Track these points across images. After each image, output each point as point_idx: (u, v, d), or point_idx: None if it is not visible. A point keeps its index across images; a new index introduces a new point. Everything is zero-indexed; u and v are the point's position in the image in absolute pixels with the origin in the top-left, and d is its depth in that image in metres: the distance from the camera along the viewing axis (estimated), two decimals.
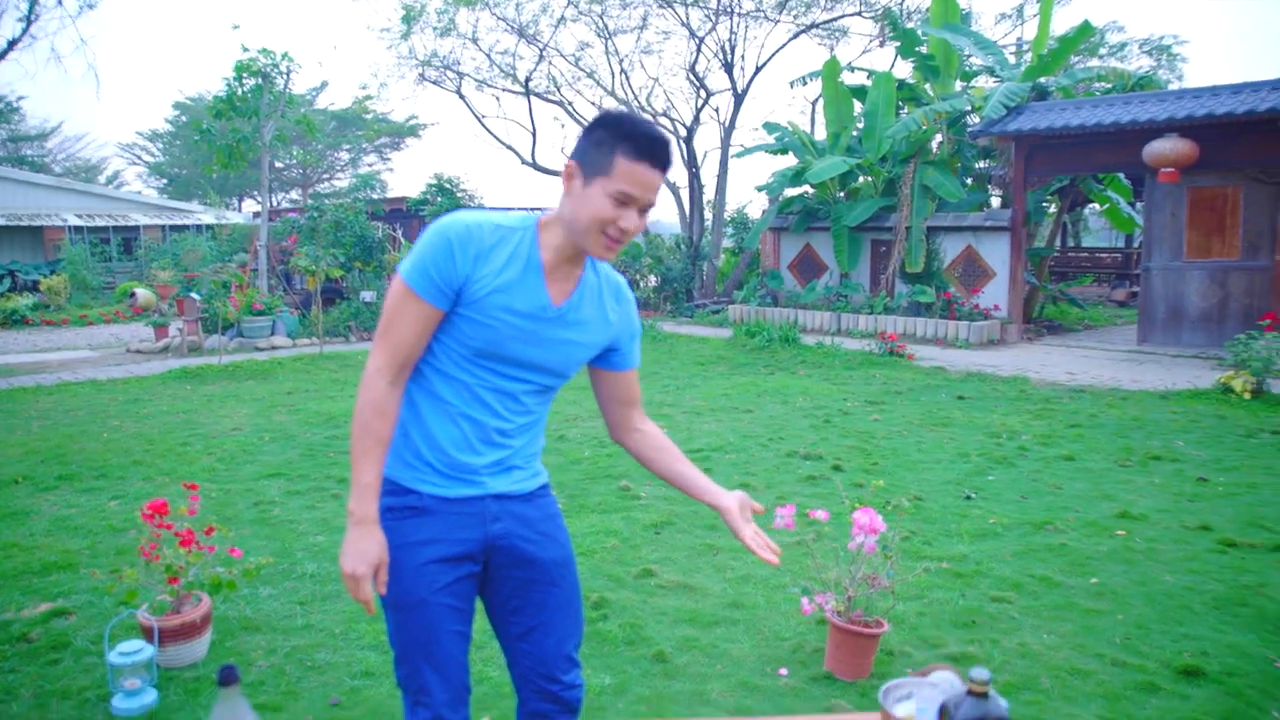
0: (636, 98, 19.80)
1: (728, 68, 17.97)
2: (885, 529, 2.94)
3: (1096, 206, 16.53)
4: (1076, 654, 3.39)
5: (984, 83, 13.98)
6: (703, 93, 18.75)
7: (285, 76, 13.79)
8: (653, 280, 17.51)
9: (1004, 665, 3.30)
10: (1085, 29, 13.42)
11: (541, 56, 19.45)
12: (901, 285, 12.99)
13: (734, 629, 3.64)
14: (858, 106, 14.38)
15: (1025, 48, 16.79)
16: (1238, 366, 8.41)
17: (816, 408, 8.06)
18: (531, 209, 1.89)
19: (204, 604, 3.44)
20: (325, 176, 36.80)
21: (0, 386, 9.06)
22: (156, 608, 3.40)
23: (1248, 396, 8.04)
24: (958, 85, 13.92)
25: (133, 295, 16.47)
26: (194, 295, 12.47)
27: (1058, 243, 17.47)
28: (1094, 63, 19.24)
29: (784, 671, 3.27)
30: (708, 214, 18.46)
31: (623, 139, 1.66)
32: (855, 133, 14.25)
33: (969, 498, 5.37)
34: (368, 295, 13.95)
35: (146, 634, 3.26)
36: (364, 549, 1.71)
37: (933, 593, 3.97)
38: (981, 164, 14.33)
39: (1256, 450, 6.41)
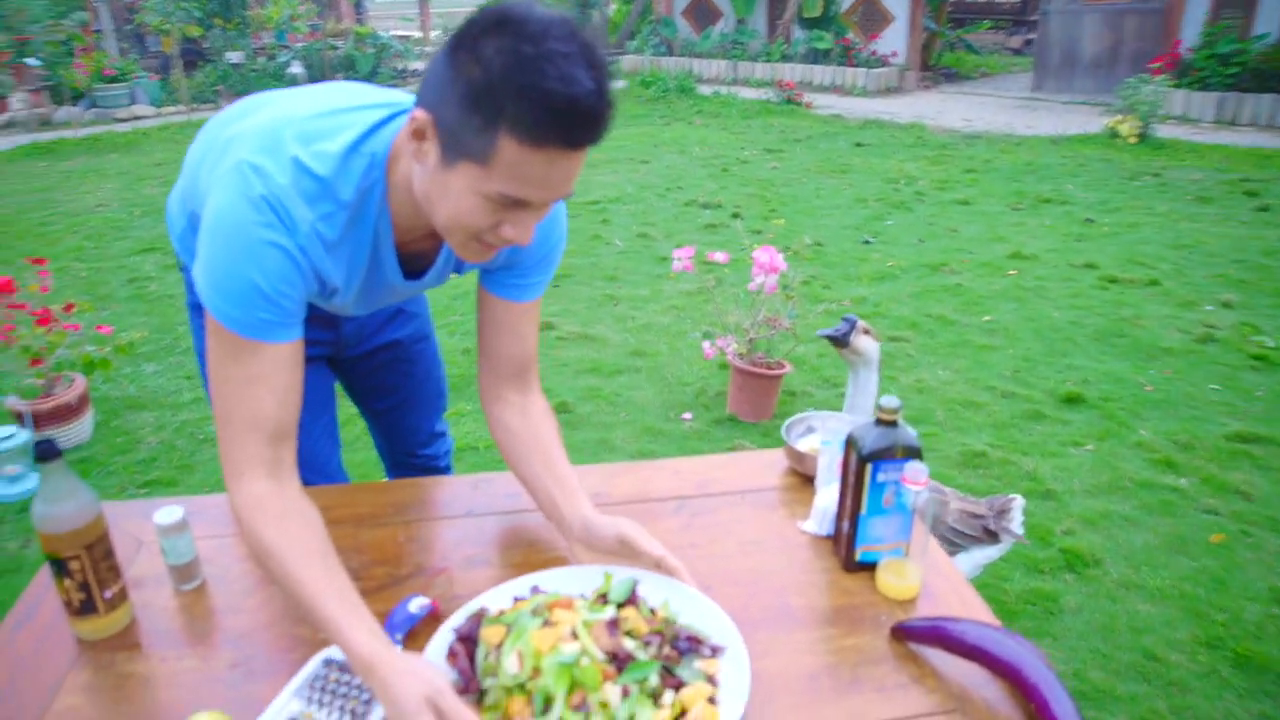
0: None
1: None
2: (786, 268, 2.84)
3: None
4: (969, 388, 3.49)
5: None
6: None
7: None
8: None
9: (901, 401, 3.36)
10: None
11: None
12: (799, 31, 12.40)
13: (636, 377, 3.59)
14: None
15: None
16: (1126, 111, 8.47)
17: (714, 157, 7.81)
18: (380, 118, 1.11)
19: (77, 384, 3.16)
20: None
21: None
22: (25, 391, 3.12)
23: (1134, 141, 8.15)
24: None
25: None
26: (30, 61, 10.91)
27: None
28: None
29: (687, 416, 3.26)
30: None
31: (512, 101, 0.92)
32: None
33: (867, 242, 5.36)
34: (234, 56, 12.53)
35: (18, 419, 3.00)
36: (399, 707, 0.91)
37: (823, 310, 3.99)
38: None
39: (1139, 192, 6.55)
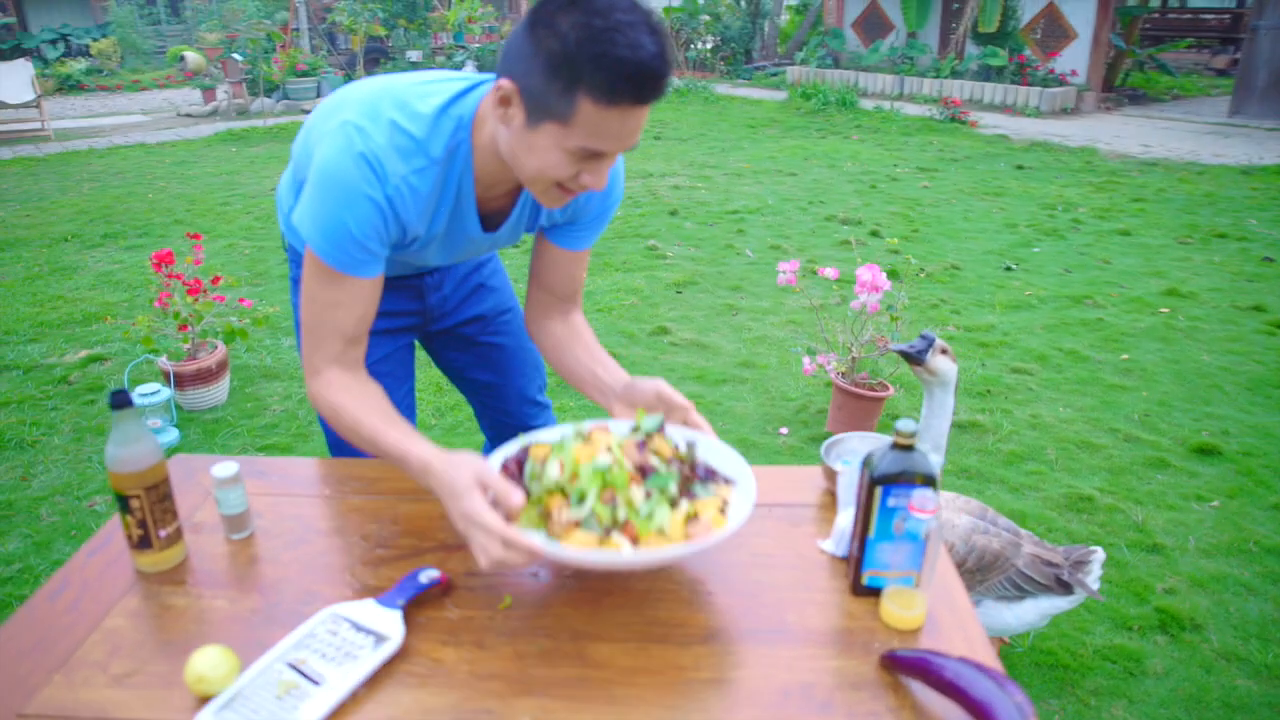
0: None
1: None
2: (889, 287, 2.77)
3: None
4: (1089, 428, 3.29)
5: None
6: None
7: None
8: (709, 41, 16.41)
9: (1011, 435, 3.22)
10: None
11: None
12: (972, 47, 11.94)
13: (741, 388, 3.59)
14: None
15: None
16: None
17: (864, 173, 7.66)
18: (463, 89, 1.28)
19: (219, 351, 3.49)
20: None
21: (55, 150, 9.03)
22: (174, 354, 3.47)
23: None
24: None
25: (182, 59, 16.00)
26: (235, 56, 12.00)
27: (1157, 0, 15.80)
28: None
29: (784, 430, 3.24)
30: None
31: (589, 68, 1.07)
32: None
33: (1009, 269, 5.13)
34: (413, 54, 13.34)
35: (166, 378, 3.33)
36: (452, 489, 1.12)
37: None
38: None
39: None
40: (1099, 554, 1.95)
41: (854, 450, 1.48)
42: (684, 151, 8.64)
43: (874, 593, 1.24)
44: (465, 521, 1.10)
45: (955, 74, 11.82)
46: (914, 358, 1.84)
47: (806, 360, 3.06)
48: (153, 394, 3.10)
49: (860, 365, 3.09)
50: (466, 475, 1.10)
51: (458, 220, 1.33)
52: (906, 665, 1.10)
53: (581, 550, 1.08)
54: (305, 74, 12.36)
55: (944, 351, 1.82)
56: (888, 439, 1.44)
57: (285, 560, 1.31)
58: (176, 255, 3.43)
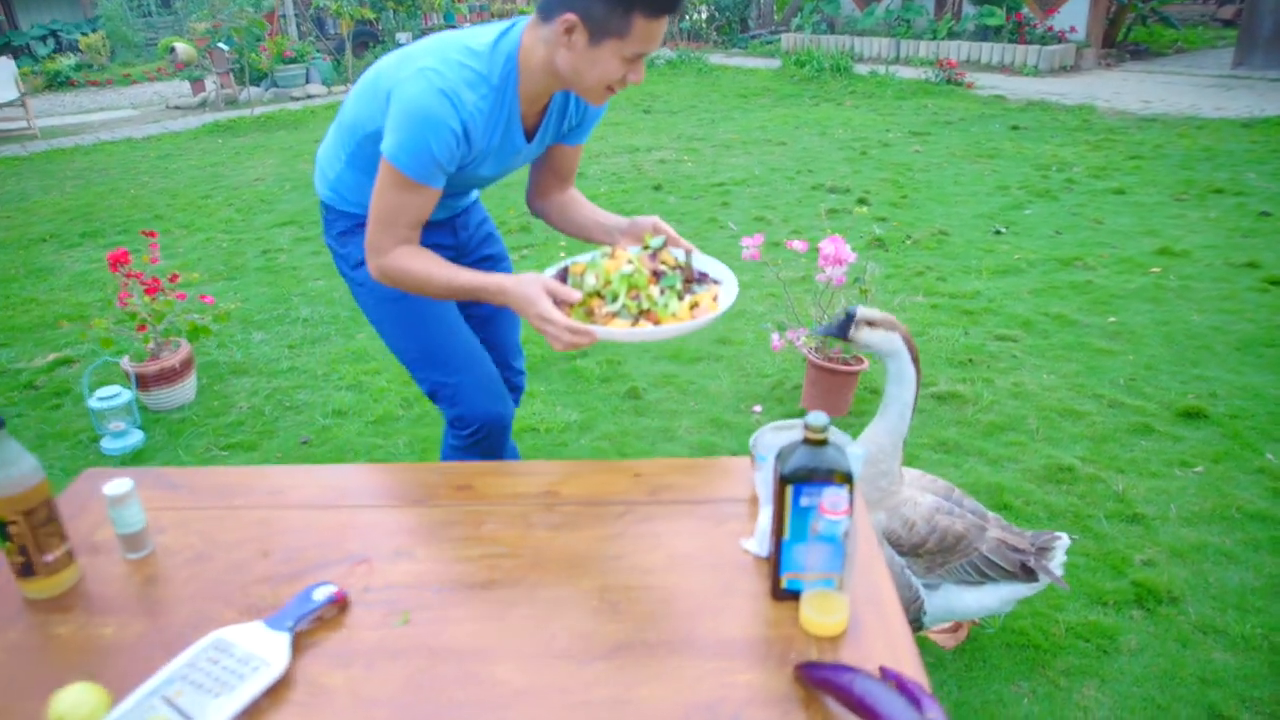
0: None
1: None
2: (854, 259, 2.68)
3: None
4: (1073, 395, 3.21)
5: None
6: None
7: None
8: (704, 10, 16.15)
9: (992, 405, 3.14)
10: None
11: None
12: (969, 7, 11.70)
13: (716, 365, 3.52)
14: None
15: None
16: None
17: (855, 139, 7.52)
18: (504, 29, 1.59)
19: (183, 350, 3.43)
20: None
21: (41, 149, 8.97)
22: (136, 355, 3.42)
23: None
24: None
25: (173, 51, 15.87)
26: (222, 46, 11.87)
27: None
28: None
29: (758, 408, 3.17)
30: None
31: None
32: None
33: (998, 232, 5.02)
34: (403, 37, 13.17)
35: (129, 380, 3.29)
36: (528, 299, 1.47)
37: (935, 329, 3.77)
38: None
39: None
40: (1063, 540, 1.88)
41: (770, 444, 1.41)
42: (672, 124, 8.51)
43: (795, 596, 1.18)
44: (540, 321, 1.45)
45: (952, 35, 11.59)
46: (837, 334, 1.77)
47: (775, 336, 2.99)
48: (113, 397, 3.05)
49: (833, 340, 3.01)
50: (535, 287, 1.47)
51: (508, 134, 1.63)
52: (815, 680, 1.03)
53: (623, 330, 1.44)
54: (293, 61, 12.24)
55: (870, 324, 1.75)
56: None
57: (181, 579, 1.25)
58: (134, 254, 3.37)
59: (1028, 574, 1.83)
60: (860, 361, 3.03)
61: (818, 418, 1.09)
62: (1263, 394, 3.17)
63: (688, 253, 1.61)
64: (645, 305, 1.47)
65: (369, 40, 14.01)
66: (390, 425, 3.20)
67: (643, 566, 1.25)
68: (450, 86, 1.49)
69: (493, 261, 2.05)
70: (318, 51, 13.04)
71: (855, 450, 1.15)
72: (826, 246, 2.66)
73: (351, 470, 1.59)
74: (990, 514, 1.91)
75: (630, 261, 1.51)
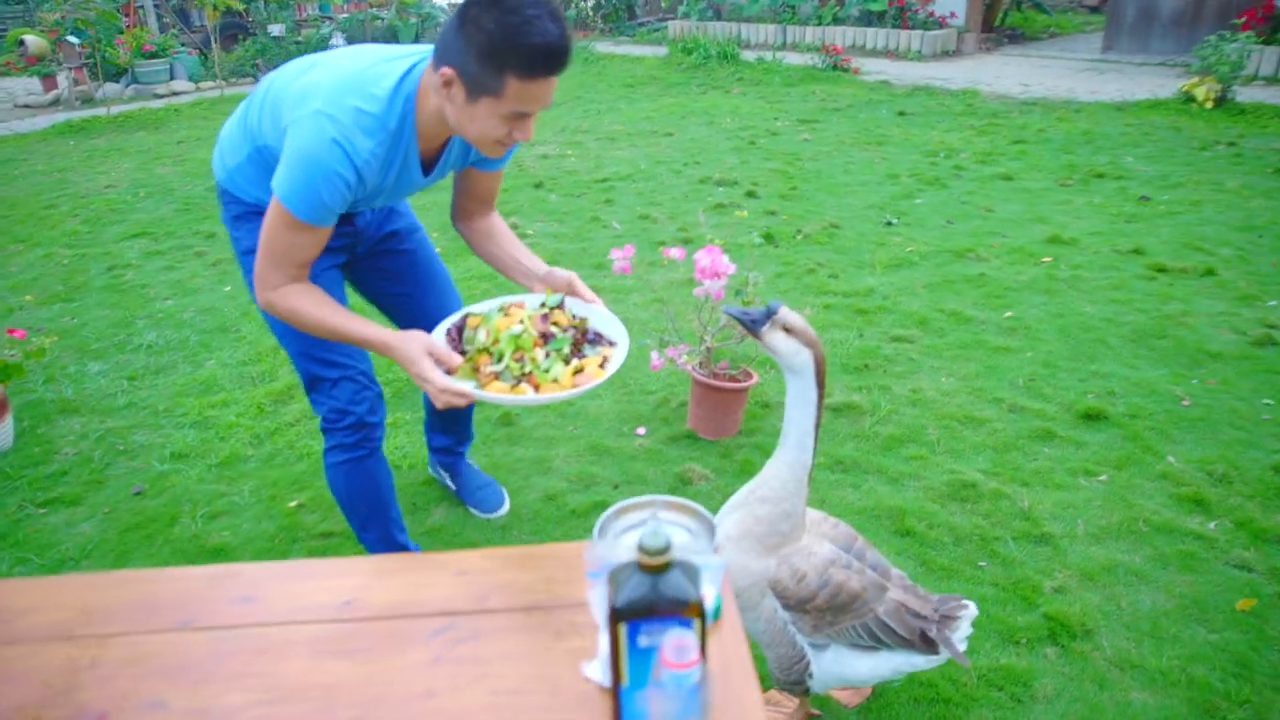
0: None
1: None
2: (734, 270, 2.44)
3: None
4: (973, 400, 3.05)
5: None
6: None
7: None
8: None
9: (890, 415, 2.96)
10: None
11: None
12: None
13: None
14: None
15: None
16: (1204, 73, 7.70)
17: (743, 129, 7.34)
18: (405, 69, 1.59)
19: None
20: None
21: None
22: None
23: (1210, 105, 7.40)
24: None
25: (21, 43, 14.59)
26: (71, 39, 10.88)
27: None
28: None
29: (641, 431, 2.90)
30: None
31: (510, 55, 1.40)
32: None
33: (890, 224, 4.88)
34: (275, 29, 12.40)
35: None
36: (409, 358, 1.53)
37: (829, 332, 3.57)
38: None
39: (1208, 164, 5.89)
40: (970, 610, 1.65)
41: (631, 537, 1.13)
42: (556, 117, 8.18)
43: None
44: (420, 380, 1.51)
45: (837, 20, 11.58)
46: (748, 326, 1.52)
47: (654, 355, 2.72)
48: None
49: (718, 355, 2.77)
50: (416, 347, 1.52)
51: (405, 171, 1.66)
52: None
53: (498, 394, 1.48)
54: (154, 55, 11.39)
55: (787, 330, 1.49)
56: (689, 515, 1.10)
57: None
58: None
59: (927, 644, 1.60)
60: (749, 376, 2.80)
61: (654, 538, 0.81)
62: (1158, 389, 3.07)
63: (583, 318, 1.63)
64: (528, 368, 1.50)
65: (239, 33, 13.16)
66: (237, 468, 2.81)
67: (459, 708, 0.96)
68: (344, 135, 1.50)
69: (399, 237, 2.04)
70: (182, 45, 12.18)
71: (712, 561, 0.88)
72: (702, 258, 2.40)
73: (102, 581, 1.24)
74: (894, 571, 1.68)
75: (521, 321, 1.55)
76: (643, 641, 0.83)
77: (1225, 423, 2.88)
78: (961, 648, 1.59)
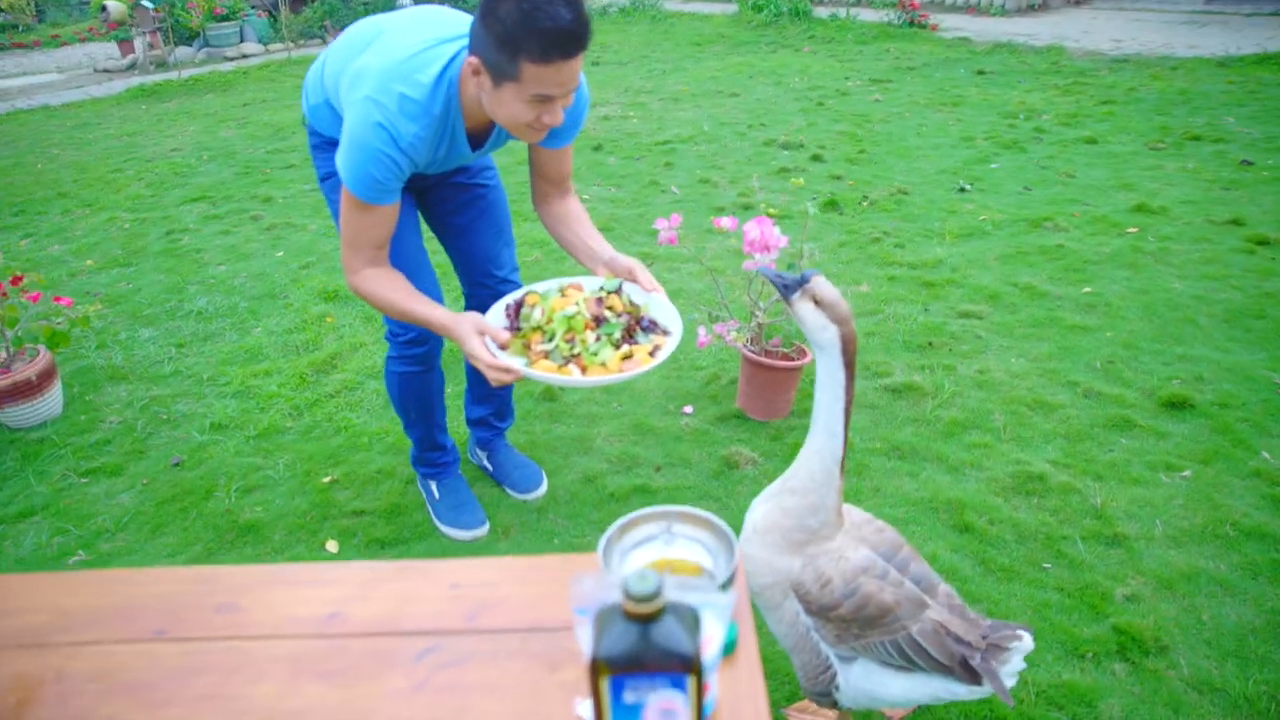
0: None
1: None
2: (785, 243, 2.27)
3: None
4: (1045, 382, 2.85)
5: None
6: None
7: None
8: None
9: (953, 398, 2.78)
10: None
11: None
12: None
13: None
14: None
15: None
16: None
17: (812, 89, 7.06)
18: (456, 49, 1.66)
19: (41, 359, 2.96)
20: None
21: None
22: None
23: None
24: None
25: (104, 9, 14.93)
26: (146, 3, 11.03)
27: None
28: None
29: (688, 410, 2.78)
30: None
31: (524, 40, 1.44)
32: None
33: (963, 190, 4.62)
34: None
35: None
36: (461, 336, 1.61)
37: (891, 306, 3.38)
38: None
39: None
40: (1025, 642, 1.46)
41: (665, 541, 1.01)
42: (620, 77, 7.99)
43: None
44: (471, 358, 1.58)
45: None
46: (781, 290, 1.38)
47: (702, 331, 2.58)
48: None
49: (770, 331, 2.62)
50: (468, 326, 1.59)
51: (454, 147, 1.75)
52: None
53: (544, 373, 1.50)
54: (225, 18, 11.49)
55: (817, 301, 1.34)
56: (697, 526, 0.98)
57: None
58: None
59: (968, 672, 1.44)
60: (803, 354, 2.64)
61: (641, 581, 0.69)
62: (1253, 376, 2.82)
63: (644, 304, 1.64)
64: (577, 350, 1.52)
65: None
66: (274, 440, 2.78)
67: None
68: (389, 119, 1.60)
69: (469, 172, 2.08)
70: (252, 7, 12.27)
71: (718, 600, 0.76)
72: (751, 229, 2.24)
73: (80, 582, 1.18)
74: (943, 587, 1.51)
75: (577, 304, 1.57)
76: (628, 697, 0.72)
77: None
78: (1010, 683, 1.42)
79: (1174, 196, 4.34)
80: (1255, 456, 2.45)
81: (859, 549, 1.50)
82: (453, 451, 2.39)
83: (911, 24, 9.43)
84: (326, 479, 2.51)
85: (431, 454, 2.35)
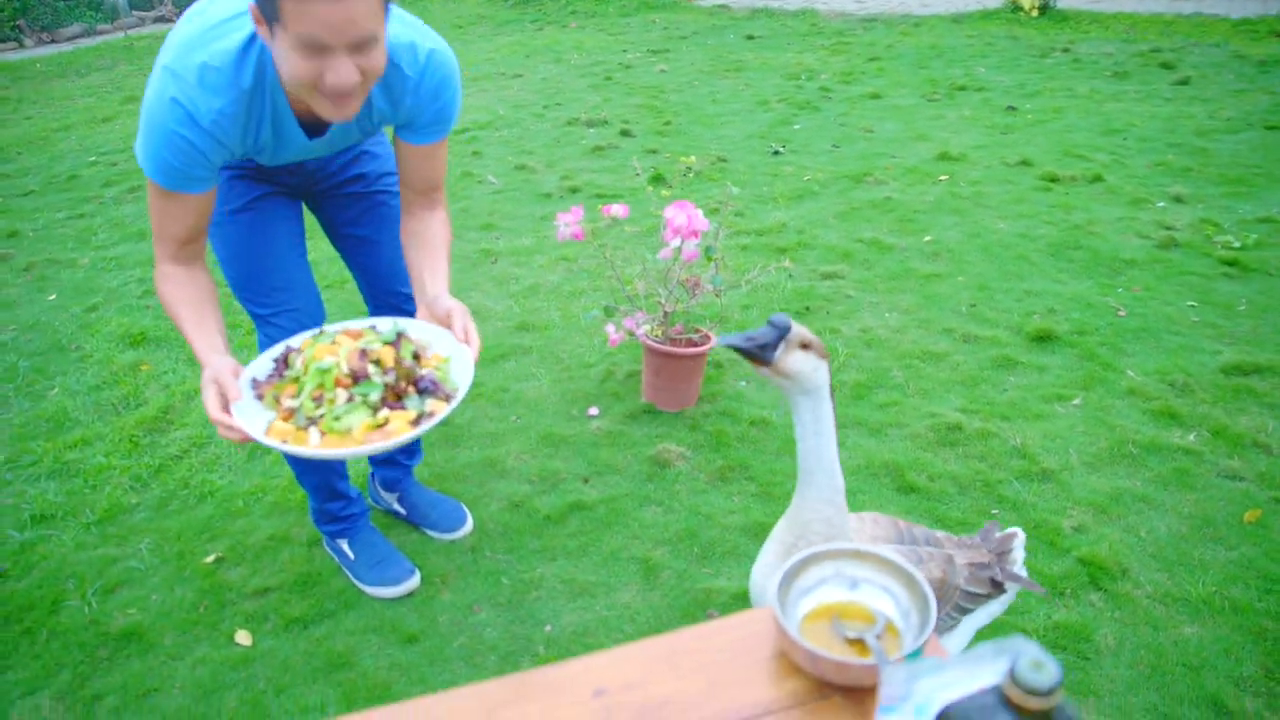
0: None
1: None
2: (708, 227, 2.17)
3: None
4: (924, 333, 2.94)
5: None
6: None
7: None
8: None
9: (850, 360, 2.80)
10: None
11: None
12: None
13: (526, 361, 2.91)
14: None
15: None
16: None
17: (594, 64, 6.98)
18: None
19: None
20: None
21: None
22: None
23: (1035, 14, 7.66)
24: None
25: None
26: None
27: None
28: None
29: (594, 411, 2.62)
30: None
31: None
32: None
33: (777, 152, 4.72)
34: None
35: None
36: (202, 383, 1.35)
37: (753, 275, 3.37)
38: None
39: (1053, 71, 6.07)
40: (1018, 536, 1.58)
41: (861, 582, 0.88)
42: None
43: None
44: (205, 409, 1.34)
45: None
46: (755, 356, 1.19)
47: (611, 329, 2.43)
48: None
49: (674, 318, 2.51)
50: (208, 375, 1.35)
51: (281, 131, 1.48)
52: None
53: (272, 440, 1.26)
54: None
55: (804, 346, 1.19)
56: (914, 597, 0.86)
57: None
58: None
59: (997, 588, 1.47)
60: (706, 338, 2.56)
61: (1038, 670, 0.56)
62: (1092, 303, 3.07)
63: (436, 355, 1.40)
64: (323, 410, 1.27)
65: None
66: (123, 523, 2.29)
67: None
68: (185, 93, 1.35)
69: (365, 180, 1.85)
70: None
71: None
72: (675, 215, 2.12)
73: None
74: (939, 533, 1.51)
75: (338, 354, 1.33)
76: None
77: (1163, 330, 2.90)
78: (1024, 574, 1.53)
79: (966, 143, 4.66)
80: (1123, 377, 2.66)
81: (884, 550, 1.45)
82: (358, 501, 2.09)
83: None
84: (209, 558, 2.12)
85: (333, 505, 2.04)
